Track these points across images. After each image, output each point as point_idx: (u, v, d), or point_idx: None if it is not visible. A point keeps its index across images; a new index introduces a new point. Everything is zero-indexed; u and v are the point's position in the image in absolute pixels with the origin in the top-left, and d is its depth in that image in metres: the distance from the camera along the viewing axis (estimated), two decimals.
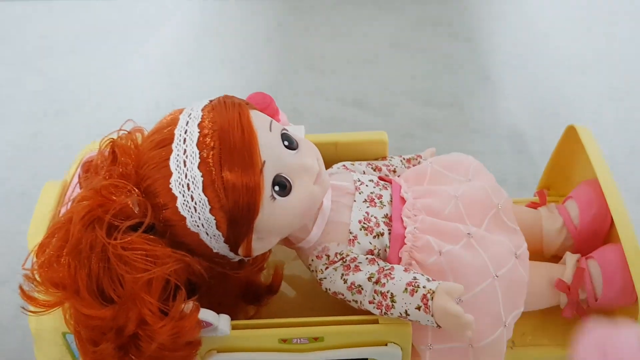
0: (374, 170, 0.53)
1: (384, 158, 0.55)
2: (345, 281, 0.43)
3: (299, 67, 0.95)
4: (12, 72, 0.95)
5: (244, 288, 0.47)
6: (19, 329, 0.61)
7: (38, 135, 0.83)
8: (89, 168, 0.44)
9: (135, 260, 0.36)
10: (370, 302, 0.42)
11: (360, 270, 0.43)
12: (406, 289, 0.41)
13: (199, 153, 0.38)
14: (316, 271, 0.45)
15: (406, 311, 0.40)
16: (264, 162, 0.39)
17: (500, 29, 1.02)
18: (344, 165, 0.52)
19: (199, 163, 0.38)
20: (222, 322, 0.41)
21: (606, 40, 0.99)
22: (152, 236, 0.38)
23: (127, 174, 0.41)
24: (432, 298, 0.39)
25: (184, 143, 0.39)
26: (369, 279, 0.42)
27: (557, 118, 0.85)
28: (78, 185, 0.45)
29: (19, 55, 0.98)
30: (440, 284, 0.40)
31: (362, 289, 0.42)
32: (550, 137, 0.78)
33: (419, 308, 0.40)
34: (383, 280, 0.42)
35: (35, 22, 1.04)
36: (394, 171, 0.54)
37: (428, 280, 0.41)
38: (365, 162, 0.53)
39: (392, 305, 0.41)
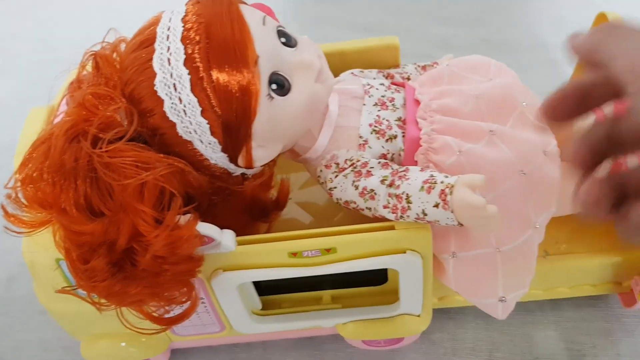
0: (386, 77, 0.49)
1: (396, 66, 0.51)
2: (356, 187, 0.39)
3: None
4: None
5: (249, 205, 0.43)
6: None
7: None
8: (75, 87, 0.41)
9: (123, 167, 0.33)
10: (384, 207, 0.38)
11: (372, 175, 0.40)
12: (422, 187, 0.37)
13: (184, 48, 0.34)
14: (325, 182, 0.42)
15: (423, 211, 0.37)
16: (258, 57, 0.35)
17: None
18: (352, 73, 0.48)
19: (184, 59, 0.34)
20: (225, 237, 0.38)
21: None
22: (140, 144, 0.35)
23: (112, 84, 0.37)
24: (451, 192, 0.36)
25: (167, 40, 0.35)
26: (382, 182, 0.39)
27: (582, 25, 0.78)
28: (66, 106, 0.42)
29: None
30: (460, 177, 0.36)
31: (375, 193, 0.39)
32: None
33: (437, 205, 0.36)
34: (397, 182, 0.38)
35: None
36: (408, 79, 0.50)
37: (446, 176, 0.37)
38: (375, 70, 0.49)
39: (408, 206, 0.37)
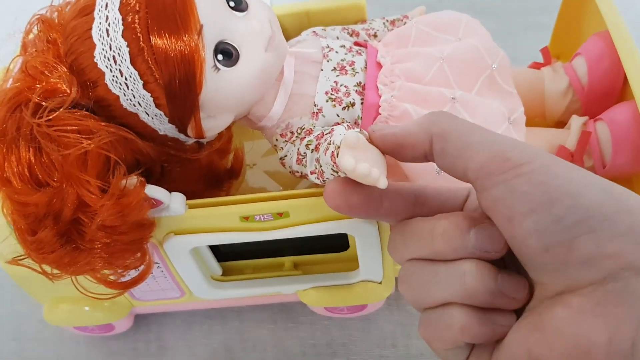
0: (351, 35, 0.47)
1: (363, 21, 0.49)
2: (298, 154, 0.38)
3: None
4: None
5: (205, 172, 0.43)
6: None
7: None
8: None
9: (65, 137, 0.32)
10: (312, 173, 0.36)
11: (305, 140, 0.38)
12: (327, 148, 0.33)
13: (122, 18, 0.33)
14: (279, 150, 0.41)
15: (332, 174, 0.33)
16: (202, 25, 0.33)
17: None
18: (314, 32, 0.46)
19: (123, 30, 0.33)
20: (174, 199, 0.37)
21: None
22: (84, 112, 0.34)
23: (57, 49, 0.36)
24: (338, 155, 0.30)
25: (106, 9, 0.34)
26: (307, 146, 0.37)
27: None
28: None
29: None
30: (345, 136, 0.29)
31: (305, 159, 0.37)
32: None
33: (335, 171, 0.33)
34: (320, 146, 0.36)
35: None
36: (375, 35, 0.47)
37: (344, 131, 0.32)
38: (339, 27, 0.47)
39: (323, 171, 0.35)
